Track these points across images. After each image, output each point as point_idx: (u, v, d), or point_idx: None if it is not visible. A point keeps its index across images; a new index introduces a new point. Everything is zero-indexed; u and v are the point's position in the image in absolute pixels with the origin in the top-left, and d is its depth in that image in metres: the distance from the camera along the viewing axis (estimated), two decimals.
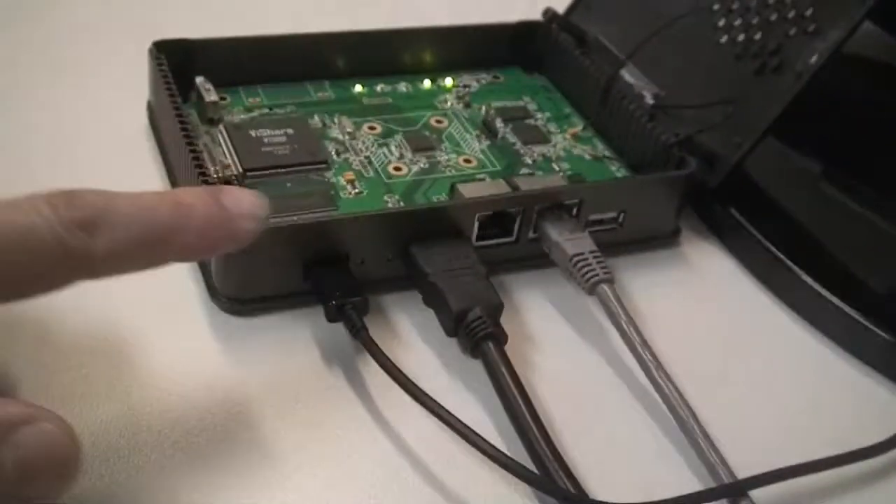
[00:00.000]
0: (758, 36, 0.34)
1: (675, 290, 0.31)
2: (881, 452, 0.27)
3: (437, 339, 0.28)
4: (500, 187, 0.30)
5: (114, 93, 0.36)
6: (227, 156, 0.31)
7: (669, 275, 0.32)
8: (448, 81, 0.37)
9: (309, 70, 0.35)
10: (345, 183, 0.31)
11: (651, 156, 0.33)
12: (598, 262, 0.29)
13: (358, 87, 0.36)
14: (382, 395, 0.26)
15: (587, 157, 0.34)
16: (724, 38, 0.35)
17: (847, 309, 0.30)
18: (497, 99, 0.36)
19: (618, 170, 0.34)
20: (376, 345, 0.25)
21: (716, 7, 0.36)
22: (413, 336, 0.28)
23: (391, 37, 0.36)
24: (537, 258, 0.30)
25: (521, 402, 0.25)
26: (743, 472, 0.25)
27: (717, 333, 0.30)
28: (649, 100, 0.36)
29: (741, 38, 0.34)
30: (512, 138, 0.35)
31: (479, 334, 0.26)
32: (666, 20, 0.36)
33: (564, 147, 0.35)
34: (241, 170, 0.30)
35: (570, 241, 0.29)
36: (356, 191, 0.31)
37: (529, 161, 0.34)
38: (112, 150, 0.33)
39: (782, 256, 0.32)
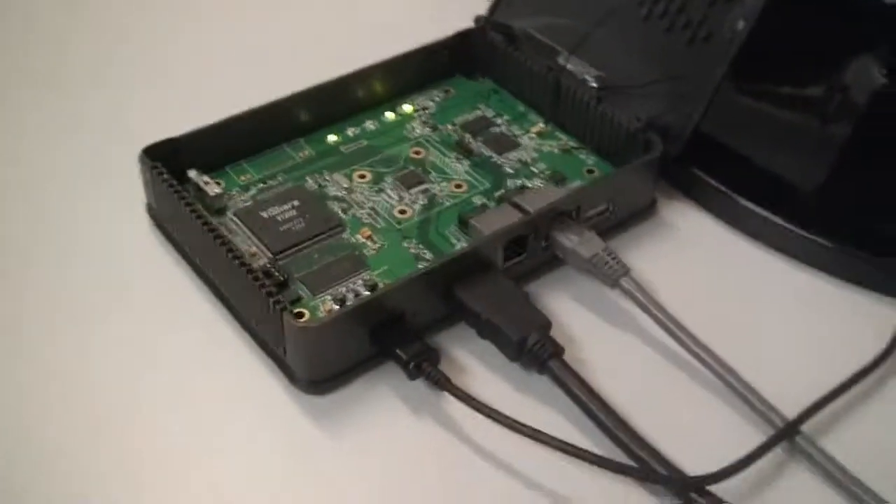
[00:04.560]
0: (680, 8, 0.38)
1: (667, 257, 0.35)
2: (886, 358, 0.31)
3: (497, 364, 0.31)
4: (509, 213, 0.33)
5: (102, 201, 0.37)
6: (252, 244, 0.33)
7: (659, 244, 0.36)
8: (407, 108, 0.39)
9: (281, 133, 0.37)
10: (364, 240, 0.34)
11: (615, 139, 0.37)
12: (612, 258, 0.32)
13: (332, 137, 0.38)
14: (478, 433, 0.29)
15: (556, 151, 0.38)
16: (648, 15, 0.38)
17: (807, 234, 0.35)
18: (457, 114, 0.39)
19: (587, 157, 0.37)
20: (465, 392, 0.29)
21: None
22: (476, 367, 0.31)
23: (348, 81, 0.38)
24: (548, 263, 0.34)
25: (600, 406, 0.29)
26: (789, 412, 0.29)
27: (715, 288, 0.34)
28: (593, 83, 0.39)
29: (664, 12, 0.38)
30: (487, 151, 0.37)
31: (543, 356, 0.30)
32: (573, 2, 0.40)
33: (534, 147, 0.38)
34: (271, 255, 0.33)
35: (582, 245, 0.33)
36: (377, 245, 0.33)
37: (511, 171, 0.37)
38: (123, 258, 0.35)
39: (744, 200, 0.36)
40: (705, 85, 0.36)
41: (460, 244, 0.33)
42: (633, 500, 0.28)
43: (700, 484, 0.27)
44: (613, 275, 0.32)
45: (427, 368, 0.29)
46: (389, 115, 0.39)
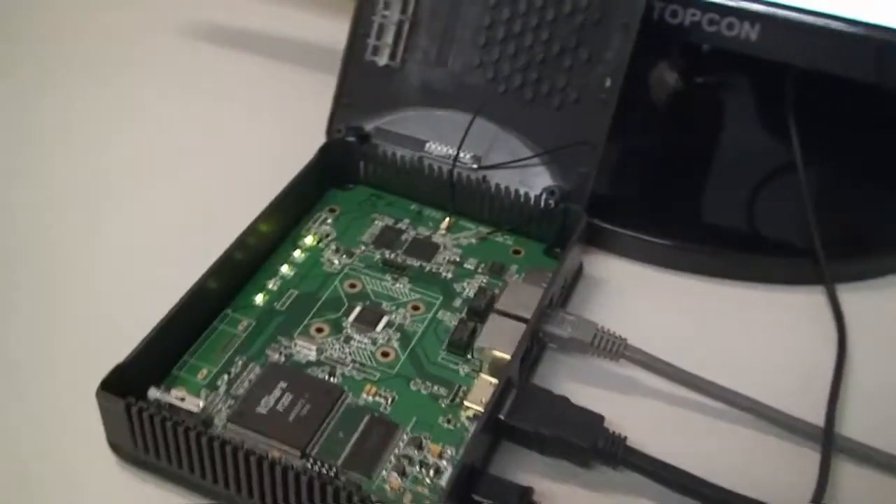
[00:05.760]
0: (538, 78, 0.39)
1: (618, 309, 0.37)
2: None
3: (558, 473, 0.31)
4: (506, 325, 0.33)
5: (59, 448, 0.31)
6: (268, 446, 0.30)
7: (602, 300, 0.38)
8: (310, 240, 0.37)
9: (211, 314, 0.34)
10: (373, 398, 0.32)
11: (527, 216, 0.38)
12: (608, 333, 0.34)
13: (258, 297, 0.35)
14: None
15: (474, 241, 0.38)
16: (506, 91, 0.39)
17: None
18: (359, 230, 0.38)
19: (504, 239, 0.38)
20: None
21: (477, 63, 0.40)
22: (544, 484, 0.31)
23: (245, 239, 0.35)
24: (539, 355, 0.35)
25: (686, 477, 0.30)
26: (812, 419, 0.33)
27: (669, 324, 0.37)
28: (472, 164, 0.39)
29: (522, 84, 0.39)
30: (414, 262, 0.37)
31: (618, 452, 0.30)
32: (421, 89, 0.40)
33: (452, 244, 0.38)
34: (301, 450, 0.30)
35: (578, 330, 0.33)
36: (389, 399, 0.32)
37: (449, 275, 0.36)
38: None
39: (646, 236, 0.39)
40: (596, 142, 0.38)
41: (461, 367, 0.33)
42: None
43: None
44: (617, 349, 0.33)
45: None
46: (298, 254, 0.37)
